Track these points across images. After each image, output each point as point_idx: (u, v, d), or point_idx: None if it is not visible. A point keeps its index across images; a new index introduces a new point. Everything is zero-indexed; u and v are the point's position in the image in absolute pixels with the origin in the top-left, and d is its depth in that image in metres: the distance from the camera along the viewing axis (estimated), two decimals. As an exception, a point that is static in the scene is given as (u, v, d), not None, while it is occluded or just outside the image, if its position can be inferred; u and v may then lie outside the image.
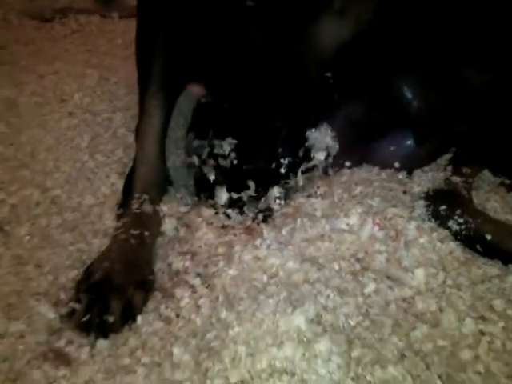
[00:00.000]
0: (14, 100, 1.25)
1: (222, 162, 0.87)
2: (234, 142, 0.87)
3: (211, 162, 0.88)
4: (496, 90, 0.93)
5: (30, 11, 1.69)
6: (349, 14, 0.84)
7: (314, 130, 0.90)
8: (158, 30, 0.97)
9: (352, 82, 0.94)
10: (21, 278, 0.83)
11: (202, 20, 0.89)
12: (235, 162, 0.86)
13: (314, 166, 0.92)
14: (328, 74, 0.90)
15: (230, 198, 0.88)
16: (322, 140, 0.91)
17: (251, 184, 0.88)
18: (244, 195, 0.88)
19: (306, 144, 0.90)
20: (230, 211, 0.89)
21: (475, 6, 0.89)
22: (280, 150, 0.87)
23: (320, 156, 0.91)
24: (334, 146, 0.92)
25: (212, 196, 0.89)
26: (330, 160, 0.93)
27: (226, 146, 0.87)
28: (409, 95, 0.94)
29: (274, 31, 0.82)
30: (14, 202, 0.98)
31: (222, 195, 0.88)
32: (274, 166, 0.87)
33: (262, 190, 0.88)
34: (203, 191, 0.91)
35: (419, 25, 0.89)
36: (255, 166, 0.87)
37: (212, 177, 0.88)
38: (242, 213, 0.90)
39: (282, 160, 0.88)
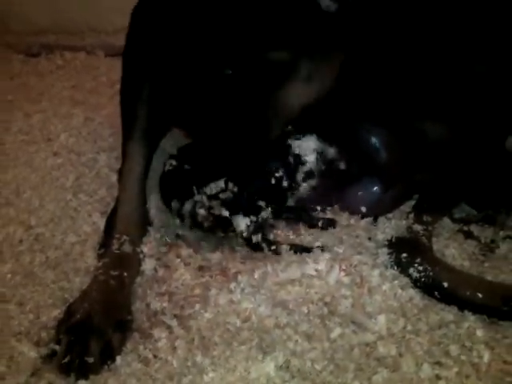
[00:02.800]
0: (1, 138, 1.29)
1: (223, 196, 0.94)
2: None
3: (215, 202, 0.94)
4: (451, 143, 1.01)
5: (17, 46, 1.73)
6: (314, 81, 0.92)
7: (296, 139, 0.99)
8: (143, 79, 1.03)
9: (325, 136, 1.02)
10: (2, 316, 0.86)
11: (185, 76, 0.95)
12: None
13: (311, 171, 0.99)
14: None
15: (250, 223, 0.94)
16: (308, 145, 0.99)
17: (262, 203, 0.95)
18: (263, 214, 0.95)
19: (295, 152, 0.99)
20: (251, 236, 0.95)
21: (430, 70, 0.97)
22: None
23: (311, 158, 0.99)
24: (323, 147, 1.00)
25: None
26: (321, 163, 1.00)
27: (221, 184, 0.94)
28: (376, 146, 1.02)
29: (245, 93, 0.90)
30: (-3, 239, 1.01)
31: (241, 222, 0.93)
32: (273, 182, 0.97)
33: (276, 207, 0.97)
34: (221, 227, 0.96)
35: (382, 86, 0.97)
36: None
37: (226, 212, 0.93)
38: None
39: (277, 174, 0.97)
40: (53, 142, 1.28)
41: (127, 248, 0.94)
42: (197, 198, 0.95)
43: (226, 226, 0.94)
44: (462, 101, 0.98)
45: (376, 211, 1.06)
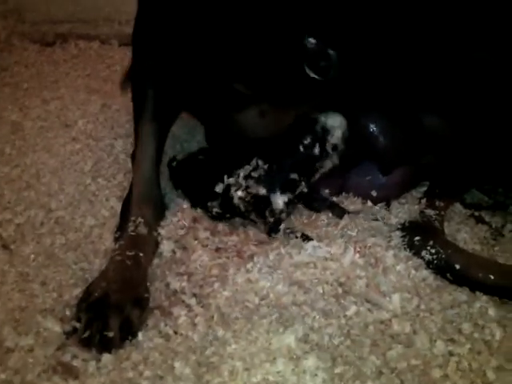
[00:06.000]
0: (20, 123, 1.31)
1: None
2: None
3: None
4: (451, 133, 1.02)
5: (32, 35, 1.75)
6: (266, 118, 1.00)
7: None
8: (152, 60, 1.03)
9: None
10: (26, 294, 0.89)
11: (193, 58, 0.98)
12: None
13: (336, 145, 1.01)
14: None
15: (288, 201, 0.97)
16: (334, 120, 1.01)
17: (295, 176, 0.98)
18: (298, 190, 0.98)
19: (324, 125, 1.01)
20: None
21: (428, 58, 0.97)
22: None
23: (338, 133, 1.00)
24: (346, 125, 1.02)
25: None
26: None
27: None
28: (373, 132, 1.02)
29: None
30: (19, 222, 1.04)
31: (279, 200, 0.96)
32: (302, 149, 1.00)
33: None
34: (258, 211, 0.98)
35: (383, 80, 0.98)
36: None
37: (263, 190, 0.96)
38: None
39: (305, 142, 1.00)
40: (71, 127, 1.30)
41: (142, 230, 0.96)
42: (228, 181, 0.97)
43: (265, 205, 0.96)
44: (462, 91, 0.97)
45: (382, 195, 1.07)
